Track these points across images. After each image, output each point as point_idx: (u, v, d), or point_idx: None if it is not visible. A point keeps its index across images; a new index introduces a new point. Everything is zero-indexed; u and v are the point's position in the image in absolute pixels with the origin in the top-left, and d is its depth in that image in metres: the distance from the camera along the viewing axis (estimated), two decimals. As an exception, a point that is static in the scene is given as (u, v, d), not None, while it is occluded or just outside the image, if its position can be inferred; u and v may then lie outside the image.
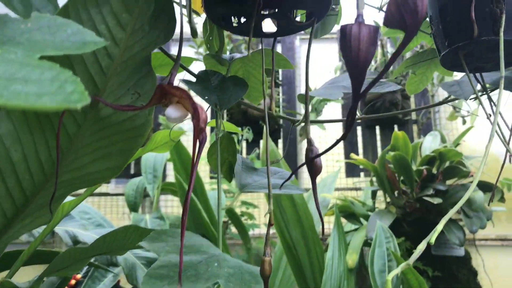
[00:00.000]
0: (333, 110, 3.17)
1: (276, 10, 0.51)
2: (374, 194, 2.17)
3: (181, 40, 0.49)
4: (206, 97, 0.71)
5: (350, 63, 0.42)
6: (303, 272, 1.84)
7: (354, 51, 0.42)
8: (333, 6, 0.64)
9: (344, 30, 0.42)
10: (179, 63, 0.47)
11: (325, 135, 2.85)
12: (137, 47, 0.45)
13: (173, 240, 0.58)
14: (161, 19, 0.46)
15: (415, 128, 3.10)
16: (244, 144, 3.05)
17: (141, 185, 2.17)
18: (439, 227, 0.51)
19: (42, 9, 0.45)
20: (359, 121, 3.38)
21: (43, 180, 0.46)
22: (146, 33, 0.45)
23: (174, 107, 0.46)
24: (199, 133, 0.47)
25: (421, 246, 0.49)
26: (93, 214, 1.47)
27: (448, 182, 2.00)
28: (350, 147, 3.10)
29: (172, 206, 2.80)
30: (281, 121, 3.11)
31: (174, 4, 0.51)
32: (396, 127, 3.13)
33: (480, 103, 0.66)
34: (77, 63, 0.42)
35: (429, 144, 2.13)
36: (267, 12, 0.51)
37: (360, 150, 3.10)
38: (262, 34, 0.55)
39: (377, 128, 3.15)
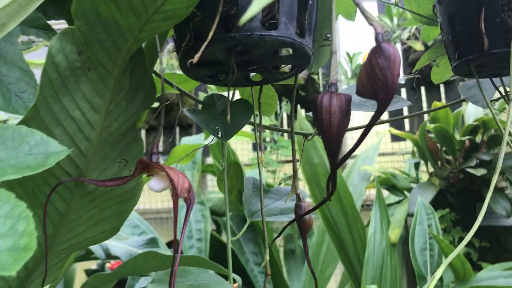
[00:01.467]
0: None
1: (256, 66, 0.50)
2: (417, 166, 2.12)
3: (162, 107, 0.49)
4: (210, 127, 0.71)
5: (323, 137, 0.41)
6: (346, 249, 1.85)
7: (326, 124, 0.40)
8: (327, 35, 0.62)
9: (315, 101, 0.41)
10: (161, 131, 0.47)
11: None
12: (116, 124, 0.45)
13: (181, 280, 0.60)
14: (140, 90, 0.47)
15: (462, 87, 2.97)
16: (284, 115, 3.04)
17: (181, 171, 2.21)
18: (483, 209, 0.50)
19: (22, 93, 0.46)
20: (403, 82, 3.26)
21: (41, 254, 0.48)
22: (123, 110, 0.45)
23: (156, 179, 0.47)
24: (186, 201, 0.48)
25: (467, 238, 0.49)
26: (130, 216, 1.53)
27: (494, 151, 1.93)
28: (395, 111, 3.02)
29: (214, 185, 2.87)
30: (321, 89, 3.05)
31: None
32: (442, 86, 3.01)
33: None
34: (56, 151, 0.43)
35: (473, 110, 2.05)
36: (249, 68, 0.50)
37: (406, 113, 3.02)
38: (250, 83, 0.55)
39: (423, 89, 3.05)
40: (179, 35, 0.46)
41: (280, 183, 0.89)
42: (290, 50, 0.47)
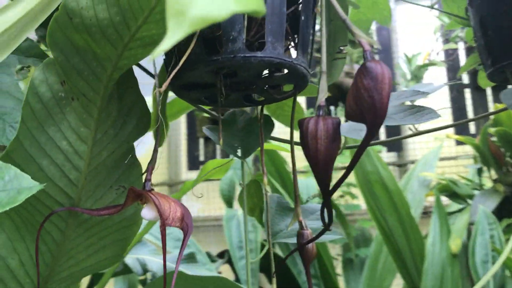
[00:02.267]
0: (437, 73, 2.95)
1: (251, 88, 0.48)
2: (479, 172, 2.00)
3: (157, 137, 0.48)
4: (229, 146, 0.69)
5: (311, 163, 0.38)
6: (403, 259, 1.78)
7: (312, 150, 0.37)
8: (341, 48, 0.58)
9: (301, 126, 0.38)
10: (156, 160, 0.46)
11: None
12: (105, 153, 0.45)
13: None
14: (132, 116, 0.46)
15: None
16: (342, 120, 2.97)
17: (234, 179, 2.22)
18: None
19: (16, 124, 0.47)
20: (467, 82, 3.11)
21: (42, 281, 0.48)
22: (112, 137, 0.44)
23: (149, 207, 0.45)
24: (182, 229, 0.46)
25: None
26: (172, 229, 1.54)
27: None
28: (459, 112, 2.88)
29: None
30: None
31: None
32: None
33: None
34: (43, 181, 0.43)
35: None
36: (243, 88, 0.48)
37: (470, 114, 2.87)
38: (249, 103, 0.52)
39: (489, 89, 2.89)
40: (166, 59, 0.45)
41: (307, 201, 0.86)
42: (286, 70, 0.45)
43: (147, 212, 0.45)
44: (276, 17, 0.40)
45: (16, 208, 0.44)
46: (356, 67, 2.99)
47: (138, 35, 0.38)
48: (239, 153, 0.70)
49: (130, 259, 1.15)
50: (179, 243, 1.46)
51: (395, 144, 2.90)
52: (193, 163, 3.42)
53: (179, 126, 3.52)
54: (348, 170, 0.37)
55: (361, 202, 2.45)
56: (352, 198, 2.55)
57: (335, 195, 2.51)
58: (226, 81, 0.44)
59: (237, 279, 1.78)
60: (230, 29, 0.40)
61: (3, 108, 0.45)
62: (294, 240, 0.68)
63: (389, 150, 2.81)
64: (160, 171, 3.32)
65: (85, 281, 1.34)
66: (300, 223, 0.49)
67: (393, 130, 2.82)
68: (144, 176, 0.44)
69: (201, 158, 3.41)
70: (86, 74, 0.39)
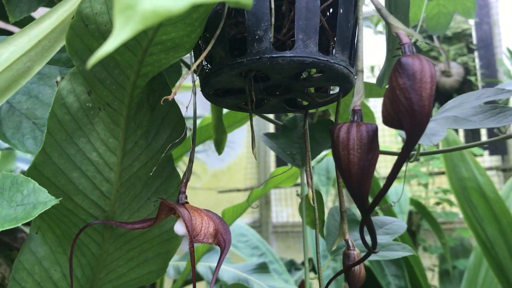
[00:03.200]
0: None
1: (290, 92, 0.43)
2: None
3: (193, 148, 0.45)
4: (287, 153, 0.66)
5: (343, 177, 0.33)
6: (506, 273, 1.63)
7: (344, 162, 0.32)
8: (400, 43, 0.51)
9: (332, 133, 0.33)
10: (191, 171, 0.43)
11: None
12: (137, 164, 0.43)
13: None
14: (166, 125, 0.43)
15: None
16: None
17: (318, 184, 2.15)
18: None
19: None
20: None
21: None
22: (144, 148, 0.42)
23: (181, 222, 0.43)
24: (219, 245, 0.43)
25: None
26: (250, 236, 1.51)
27: None
28: None
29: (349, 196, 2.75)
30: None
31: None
32: None
33: None
34: (74, 194, 0.42)
35: None
36: (280, 93, 0.44)
37: None
38: (295, 108, 0.48)
39: None
40: (198, 64, 0.42)
41: (377, 213, 0.79)
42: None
43: (179, 227, 0.42)
44: (307, 12, 0.36)
45: (56, 220, 0.43)
46: (454, 65, 2.80)
47: (157, 39, 0.35)
48: (297, 161, 0.66)
49: (202, 266, 1.15)
50: (256, 250, 1.44)
51: (499, 146, 2.67)
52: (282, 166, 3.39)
53: (268, 128, 3.52)
54: (387, 183, 0.32)
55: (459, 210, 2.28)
56: (450, 205, 2.38)
57: (430, 202, 2.35)
58: (259, 85, 0.40)
59: (322, 289, 1.71)
60: (256, 27, 0.36)
61: (43, 119, 0.45)
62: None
63: (492, 153, 2.59)
64: (249, 176, 3.35)
65: None
66: (346, 242, 0.44)
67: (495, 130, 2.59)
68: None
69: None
70: (109, 83, 0.38)
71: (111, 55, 0.37)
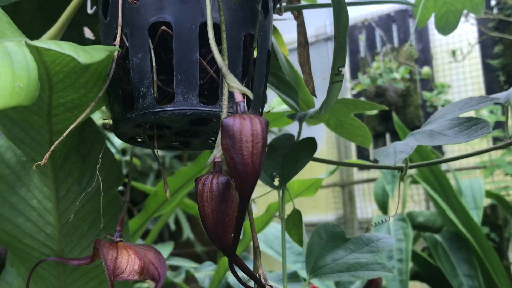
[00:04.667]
0: None
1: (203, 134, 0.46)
2: None
3: (128, 189, 0.49)
4: (268, 175, 0.67)
5: (203, 226, 0.35)
6: None
7: (201, 214, 0.35)
8: (339, 69, 0.51)
9: (195, 184, 0.35)
10: (126, 211, 0.47)
11: None
12: (74, 207, 0.47)
13: None
14: (101, 169, 0.48)
15: None
16: None
17: (383, 183, 2.08)
18: None
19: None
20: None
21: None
22: (78, 193, 0.47)
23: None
24: (154, 279, 0.47)
25: None
26: (294, 243, 1.50)
27: None
28: None
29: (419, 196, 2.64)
30: None
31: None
32: None
33: None
34: (23, 236, 0.47)
35: None
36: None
37: None
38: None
39: None
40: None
41: (367, 229, 0.77)
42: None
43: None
44: (186, 65, 0.38)
45: (22, 257, 0.49)
46: None
47: (55, 102, 0.40)
48: (276, 182, 0.67)
49: (232, 276, 1.18)
50: (300, 257, 1.45)
51: None
52: (363, 163, 3.33)
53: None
54: (238, 224, 0.33)
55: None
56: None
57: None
58: (166, 132, 0.43)
59: (386, 290, 1.68)
60: (140, 84, 0.39)
61: None
62: (332, 278, 0.63)
63: None
64: (331, 172, 3.31)
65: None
66: (259, 276, 0.45)
67: None
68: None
69: (372, 157, 3.32)
70: (28, 142, 0.43)
71: (24, 118, 0.41)
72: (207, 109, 0.39)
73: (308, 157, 0.66)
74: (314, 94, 0.63)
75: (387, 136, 3.19)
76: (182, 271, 1.28)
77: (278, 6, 0.52)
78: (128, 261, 0.45)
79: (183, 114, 0.38)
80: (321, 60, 3.37)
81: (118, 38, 0.40)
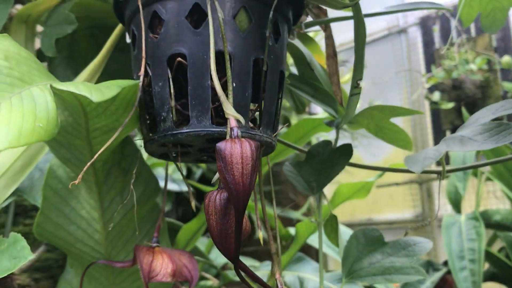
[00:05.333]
0: None
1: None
2: None
3: (164, 200, 0.55)
4: (304, 181, 0.71)
5: (211, 237, 0.39)
6: None
7: (208, 225, 0.39)
8: (358, 82, 0.53)
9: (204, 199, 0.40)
10: (163, 219, 0.53)
11: None
12: (118, 216, 0.54)
13: None
14: (139, 184, 0.54)
15: None
16: None
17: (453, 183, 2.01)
18: None
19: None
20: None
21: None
22: (121, 204, 0.53)
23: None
24: (188, 280, 0.52)
25: None
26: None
27: None
28: None
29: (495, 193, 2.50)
30: None
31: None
32: None
33: None
34: (75, 242, 0.54)
35: None
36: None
37: None
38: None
39: None
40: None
41: (406, 233, 0.77)
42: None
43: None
44: (199, 91, 0.43)
45: (78, 260, 0.57)
46: None
47: (92, 127, 0.46)
48: (312, 188, 0.70)
49: (290, 276, 1.21)
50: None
51: None
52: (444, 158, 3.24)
53: (425, 120, 3.38)
54: (237, 235, 0.37)
55: None
56: None
57: None
58: (190, 149, 0.48)
59: (458, 292, 1.63)
60: (161, 110, 0.44)
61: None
62: (370, 281, 0.65)
63: None
64: (408, 169, 3.23)
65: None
66: (276, 281, 0.49)
67: None
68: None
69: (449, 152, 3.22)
70: (74, 161, 0.49)
71: (69, 141, 0.48)
72: (219, 129, 0.43)
73: (343, 164, 0.68)
74: (342, 103, 0.65)
75: (465, 129, 3.06)
76: (244, 270, 1.33)
77: (298, 25, 0.55)
78: (162, 265, 0.50)
79: (197, 135, 0.43)
80: (395, 53, 3.30)
81: (142, 69, 0.45)
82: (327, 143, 0.73)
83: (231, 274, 1.26)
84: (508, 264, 1.75)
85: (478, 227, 1.72)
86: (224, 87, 0.44)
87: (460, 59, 2.88)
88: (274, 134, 0.48)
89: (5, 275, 0.46)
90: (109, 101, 0.43)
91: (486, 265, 1.83)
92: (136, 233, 0.56)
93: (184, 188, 1.46)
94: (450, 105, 2.93)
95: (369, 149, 3.10)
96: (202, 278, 1.33)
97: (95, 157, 0.42)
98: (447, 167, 0.72)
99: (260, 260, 1.54)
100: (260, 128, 0.46)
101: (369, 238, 0.70)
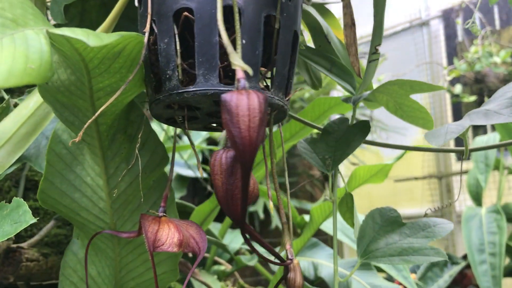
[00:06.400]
0: None
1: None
2: None
3: (172, 168, 0.53)
4: (320, 158, 0.68)
5: (216, 198, 0.37)
6: None
7: (214, 186, 0.37)
8: (376, 48, 0.50)
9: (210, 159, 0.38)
10: (170, 187, 0.50)
11: None
12: (123, 184, 0.51)
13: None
14: (145, 151, 0.52)
15: None
16: None
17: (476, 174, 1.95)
18: None
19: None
20: None
21: (115, 288, 0.59)
22: (127, 171, 0.51)
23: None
24: (194, 252, 0.50)
25: None
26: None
27: None
28: None
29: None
30: None
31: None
32: None
33: None
34: (80, 210, 0.52)
35: None
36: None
37: None
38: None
39: None
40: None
41: (426, 214, 0.74)
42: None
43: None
44: (207, 48, 0.41)
45: (84, 229, 0.55)
46: None
47: (95, 87, 0.44)
48: (328, 165, 0.68)
49: (304, 262, 1.18)
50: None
51: None
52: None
53: (446, 114, 3.32)
54: (243, 195, 0.35)
55: None
56: None
57: None
58: (197, 112, 0.46)
59: (477, 286, 1.58)
60: (166, 68, 0.42)
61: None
62: (386, 262, 0.62)
63: None
64: (427, 163, 3.21)
65: None
66: (286, 252, 0.46)
67: None
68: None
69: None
70: (78, 124, 0.47)
71: (72, 103, 0.46)
72: (227, 89, 0.40)
73: (360, 140, 0.66)
74: (359, 75, 0.62)
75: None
76: (255, 256, 1.31)
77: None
78: (168, 234, 0.48)
79: (204, 94, 0.40)
80: (416, 46, 3.24)
81: (148, 25, 0.43)
82: (343, 120, 0.71)
83: (245, 259, 1.24)
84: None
85: (499, 220, 1.67)
86: (234, 45, 0.41)
87: (484, 51, 2.81)
88: (287, 98, 0.46)
89: (5, 239, 0.44)
90: (111, 58, 0.41)
91: (507, 260, 1.78)
92: (142, 202, 0.54)
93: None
94: (472, 98, 2.86)
95: (390, 142, 3.05)
96: (216, 263, 1.32)
97: (98, 112, 0.40)
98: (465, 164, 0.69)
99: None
100: (272, 90, 0.43)
101: (386, 218, 0.67)
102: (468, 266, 1.84)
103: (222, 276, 1.23)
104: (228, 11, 0.41)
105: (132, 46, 0.41)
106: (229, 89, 0.41)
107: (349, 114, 0.79)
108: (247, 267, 1.32)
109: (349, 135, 0.67)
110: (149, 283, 0.59)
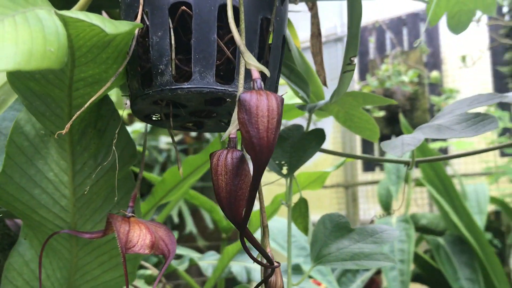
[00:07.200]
0: None
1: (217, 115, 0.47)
2: None
3: (141, 168, 0.51)
4: (276, 163, 0.68)
5: (216, 199, 0.36)
6: None
7: (215, 187, 0.36)
8: (351, 59, 0.52)
9: (210, 159, 0.37)
10: (139, 188, 0.48)
11: None
12: (89, 181, 0.49)
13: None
14: (116, 146, 0.49)
15: None
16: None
17: (388, 184, 2.09)
18: None
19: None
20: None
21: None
22: (94, 168, 0.48)
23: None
24: (164, 254, 0.48)
25: None
26: (298, 237, 1.50)
27: None
28: None
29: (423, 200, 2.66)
30: None
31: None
32: None
33: None
34: (38, 208, 0.48)
35: None
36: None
37: None
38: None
39: None
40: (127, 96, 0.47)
41: (372, 221, 0.78)
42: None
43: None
44: (204, 45, 0.40)
45: (36, 229, 0.51)
46: None
47: (76, 77, 0.41)
48: (284, 170, 0.68)
49: (237, 266, 1.19)
50: (303, 251, 1.46)
51: None
52: (368, 165, 3.36)
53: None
54: (250, 198, 0.34)
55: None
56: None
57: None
58: (183, 110, 0.44)
59: (387, 290, 1.69)
60: (159, 62, 0.40)
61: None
62: (340, 266, 0.64)
63: None
64: (336, 172, 3.33)
65: None
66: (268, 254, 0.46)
67: None
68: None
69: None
70: (49, 115, 0.44)
71: (46, 92, 0.43)
72: (223, 88, 0.40)
73: (316, 148, 0.67)
74: (325, 84, 0.64)
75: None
76: (185, 260, 1.29)
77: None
78: (139, 235, 0.46)
79: (199, 92, 0.39)
80: (330, 61, 3.37)
81: (139, 17, 0.41)
82: (298, 127, 0.72)
83: (175, 263, 1.21)
84: (433, 266, 1.83)
85: (408, 229, 1.78)
86: (228, 45, 0.41)
87: (394, 70, 3.00)
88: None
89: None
90: (101, 47, 0.39)
91: (412, 267, 1.90)
92: (105, 202, 0.51)
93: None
94: (381, 113, 3.03)
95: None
96: (142, 267, 1.28)
97: (82, 109, 0.37)
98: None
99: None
100: (263, 92, 0.43)
101: (335, 223, 0.69)
102: (378, 272, 1.94)
103: (150, 281, 1.19)
104: (224, 10, 0.40)
105: (121, 36, 0.39)
106: (225, 88, 0.40)
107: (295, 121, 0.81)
108: (174, 273, 1.30)
109: (305, 142, 0.68)
110: (108, 285, 0.56)
